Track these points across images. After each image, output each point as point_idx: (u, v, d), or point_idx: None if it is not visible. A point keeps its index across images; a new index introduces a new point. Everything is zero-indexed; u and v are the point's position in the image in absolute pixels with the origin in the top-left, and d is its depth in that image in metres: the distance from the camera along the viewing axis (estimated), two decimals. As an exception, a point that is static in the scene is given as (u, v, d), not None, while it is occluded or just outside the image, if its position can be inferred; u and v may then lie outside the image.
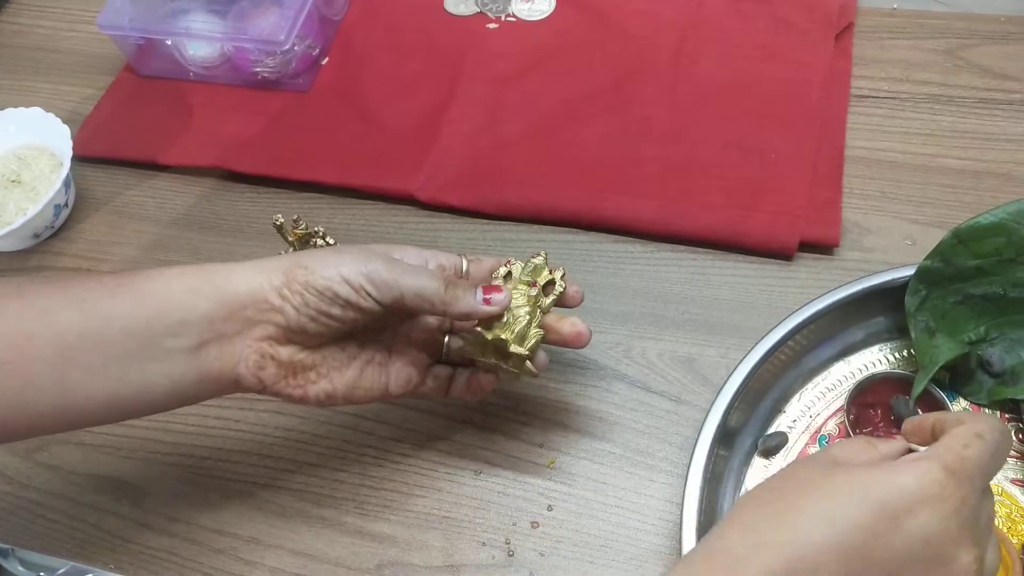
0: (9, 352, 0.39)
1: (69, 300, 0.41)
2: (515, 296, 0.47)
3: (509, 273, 0.49)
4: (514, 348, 0.46)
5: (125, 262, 0.65)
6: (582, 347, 0.48)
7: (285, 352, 0.44)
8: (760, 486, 0.37)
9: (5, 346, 0.39)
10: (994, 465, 0.35)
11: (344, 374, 0.46)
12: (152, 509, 0.54)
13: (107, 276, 0.43)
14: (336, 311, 0.43)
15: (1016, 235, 0.49)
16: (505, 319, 0.46)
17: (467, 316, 0.45)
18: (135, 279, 0.42)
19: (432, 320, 0.49)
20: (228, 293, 0.42)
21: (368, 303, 0.43)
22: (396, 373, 0.48)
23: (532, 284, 0.47)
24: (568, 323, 0.47)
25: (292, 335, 0.44)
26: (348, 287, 0.42)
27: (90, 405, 0.41)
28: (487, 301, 0.45)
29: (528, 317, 0.46)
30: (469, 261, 0.49)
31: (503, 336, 0.45)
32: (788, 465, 0.39)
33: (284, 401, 0.46)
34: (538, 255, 0.49)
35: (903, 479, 0.33)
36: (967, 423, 0.36)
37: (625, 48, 0.69)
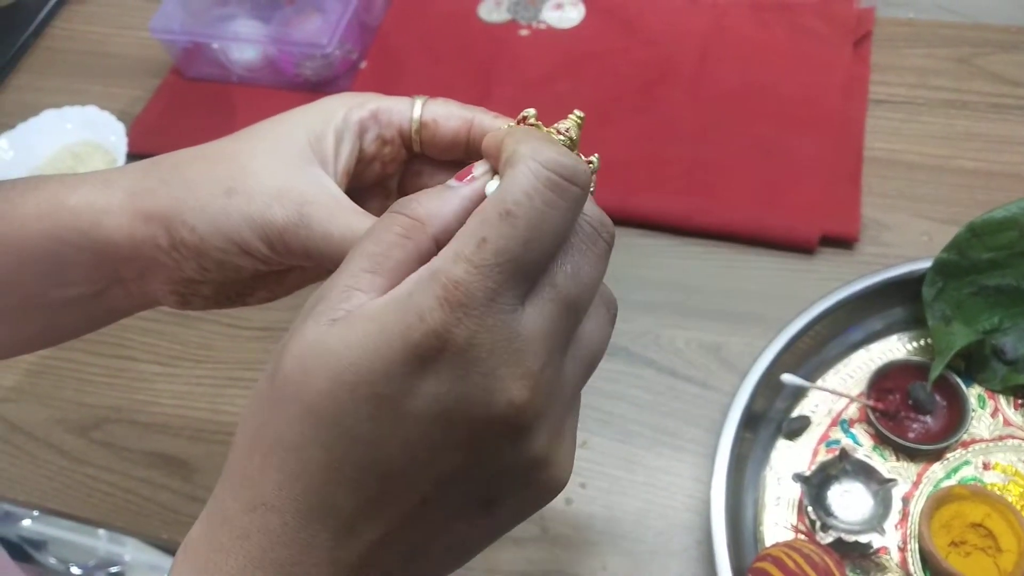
0: None
1: None
2: None
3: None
4: None
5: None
6: None
7: (207, 288, 0.36)
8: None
9: None
10: (538, 247, 0.24)
11: (285, 282, 0.38)
12: (202, 484, 0.57)
13: None
14: (246, 272, 0.34)
15: (1028, 229, 0.52)
16: None
17: None
18: None
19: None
20: (101, 244, 0.34)
21: (276, 265, 0.34)
22: None
23: None
24: None
25: (206, 281, 0.35)
26: (249, 257, 0.33)
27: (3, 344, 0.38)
28: None
29: None
30: (423, 123, 0.35)
31: None
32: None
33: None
34: (570, 120, 0.31)
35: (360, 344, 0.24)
36: (495, 198, 0.25)
37: (651, 54, 0.72)
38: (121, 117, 0.74)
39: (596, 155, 0.33)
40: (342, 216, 0.32)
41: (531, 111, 0.32)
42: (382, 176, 0.37)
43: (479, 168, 0.28)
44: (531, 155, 0.25)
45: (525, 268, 0.24)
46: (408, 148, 0.36)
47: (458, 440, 0.25)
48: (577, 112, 0.33)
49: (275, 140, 0.33)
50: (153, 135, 0.75)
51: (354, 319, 0.24)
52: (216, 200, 0.32)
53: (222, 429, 0.59)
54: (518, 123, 0.33)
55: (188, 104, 0.77)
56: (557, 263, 0.25)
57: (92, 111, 0.71)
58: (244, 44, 0.75)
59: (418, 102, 0.35)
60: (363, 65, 0.77)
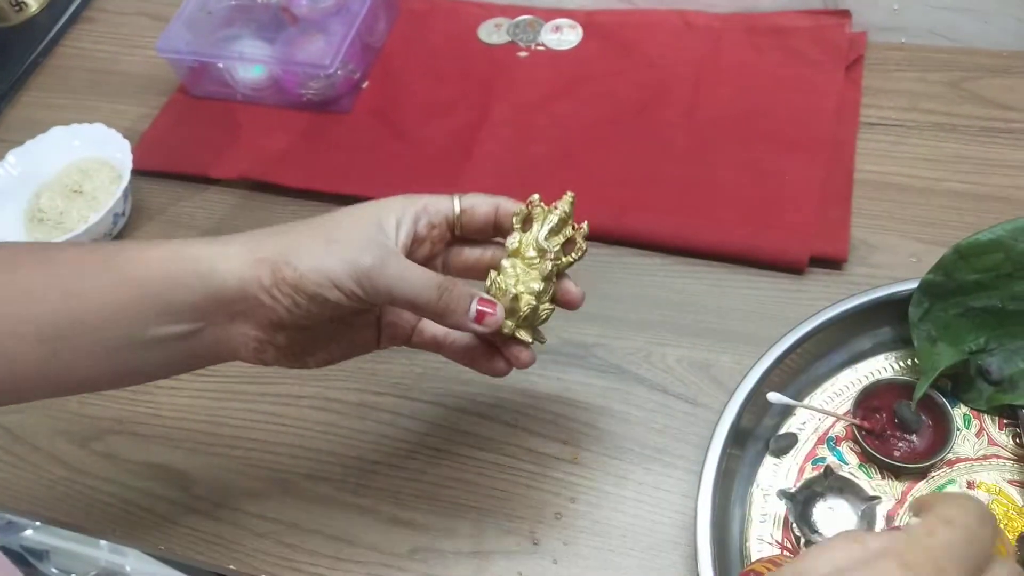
0: None
1: (51, 281, 0.41)
2: (528, 265, 0.45)
3: (528, 218, 0.46)
4: (520, 335, 0.46)
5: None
6: (573, 310, 0.48)
7: (283, 337, 0.44)
8: None
9: None
10: (972, 551, 0.31)
11: (341, 344, 0.48)
12: (200, 495, 0.58)
13: (87, 252, 0.43)
14: (327, 311, 0.43)
15: (1014, 251, 0.53)
16: (511, 293, 0.45)
17: (457, 328, 0.45)
18: (116, 259, 0.42)
19: None
20: (214, 286, 0.41)
21: (358, 304, 0.43)
22: (386, 329, 0.49)
23: (552, 257, 0.45)
24: (562, 288, 0.47)
25: (287, 326, 0.43)
26: (338, 292, 0.42)
27: (80, 381, 0.42)
28: (479, 319, 0.44)
29: (535, 303, 0.45)
30: (463, 210, 0.47)
31: (508, 324, 0.45)
32: None
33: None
34: (564, 200, 0.46)
35: None
36: (936, 507, 0.33)
37: (648, 77, 0.74)
38: (128, 134, 0.75)
39: (586, 222, 0.47)
40: (410, 265, 0.43)
41: (536, 196, 0.47)
42: (431, 255, 0.47)
43: None
44: None
45: None
46: (451, 231, 0.47)
47: None
48: (569, 193, 0.47)
49: (357, 217, 0.44)
50: (159, 151, 0.76)
51: None
52: (319, 246, 0.42)
53: (221, 441, 0.60)
54: (526, 206, 0.46)
55: (194, 121, 0.79)
56: None
57: (99, 128, 0.73)
58: (249, 64, 0.77)
59: (456, 197, 0.47)
60: (365, 85, 0.78)
